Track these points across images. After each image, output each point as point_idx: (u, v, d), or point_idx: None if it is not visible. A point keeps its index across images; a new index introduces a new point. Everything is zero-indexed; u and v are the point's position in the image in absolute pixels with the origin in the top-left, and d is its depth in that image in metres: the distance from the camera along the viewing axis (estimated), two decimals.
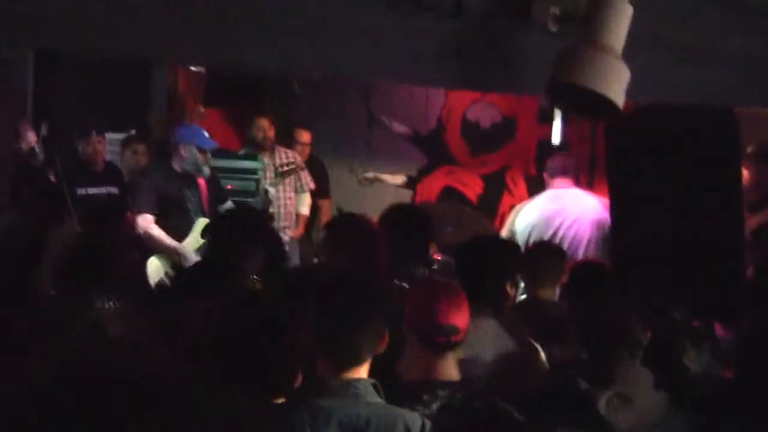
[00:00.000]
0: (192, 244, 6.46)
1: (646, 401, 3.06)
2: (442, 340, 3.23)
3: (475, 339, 3.60)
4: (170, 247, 6.55)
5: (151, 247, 6.56)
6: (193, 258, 6.33)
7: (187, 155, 6.79)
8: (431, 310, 3.24)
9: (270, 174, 7.70)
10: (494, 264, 4.08)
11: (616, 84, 3.95)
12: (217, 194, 7.07)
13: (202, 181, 6.91)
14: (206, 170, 6.88)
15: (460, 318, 3.27)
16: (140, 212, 6.66)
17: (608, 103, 4.29)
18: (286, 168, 7.63)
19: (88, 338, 3.17)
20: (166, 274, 6.47)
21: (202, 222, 6.41)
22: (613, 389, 3.03)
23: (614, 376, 3.07)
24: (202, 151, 6.83)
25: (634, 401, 3.02)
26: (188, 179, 6.81)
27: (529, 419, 2.38)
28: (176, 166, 6.83)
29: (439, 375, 3.24)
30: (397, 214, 4.73)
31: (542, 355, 3.91)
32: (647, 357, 3.25)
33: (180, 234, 6.57)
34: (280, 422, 2.82)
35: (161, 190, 6.67)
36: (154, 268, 6.48)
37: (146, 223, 6.62)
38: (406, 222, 4.64)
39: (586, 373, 3.10)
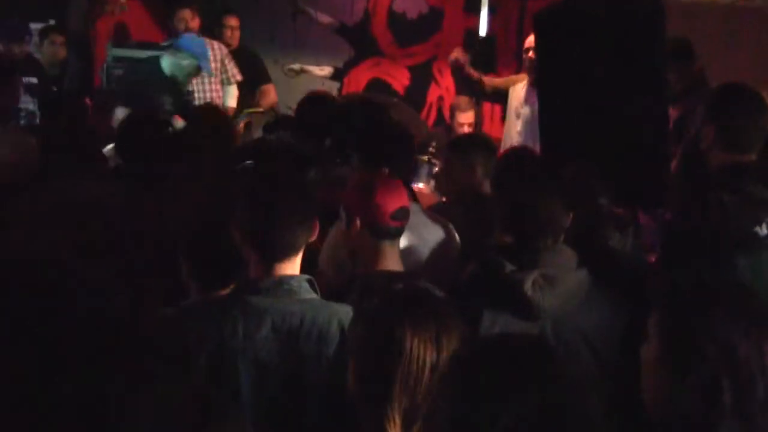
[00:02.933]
0: None
1: (570, 281, 3.13)
2: (398, 225, 3.27)
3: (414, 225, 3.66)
4: None
5: None
6: None
7: (186, 64, 6.90)
8: (383, 197, 3.24)
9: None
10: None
11: None
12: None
13: None
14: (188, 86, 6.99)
15: (408, 201, 3.33)
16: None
17: None
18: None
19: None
20: None
21: None
22: (539, 270, 3.09)
23: (538, 258, 3.13)
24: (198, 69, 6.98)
25: (558, 281, 3.09)
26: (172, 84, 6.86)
27: (458, 303, 2.42)
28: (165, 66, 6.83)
29: (384, 266, 3.25)
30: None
31: (457, 239, 3.99)
32: (573, 241, 3.32)
33: None
34: (212, 323, 2.78)
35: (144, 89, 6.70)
36: None
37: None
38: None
39: (511, 257, 3.16)
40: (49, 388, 1.82)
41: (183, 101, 7.16)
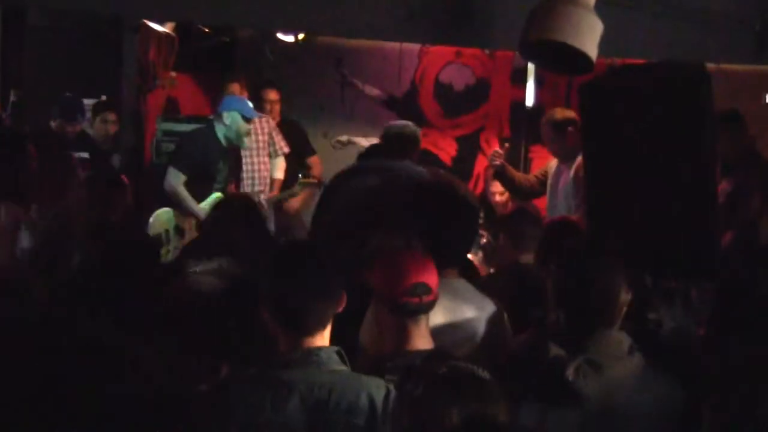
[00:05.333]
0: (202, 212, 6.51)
1: (619, 369, 3.05)
2: (415, 302, 3.16)
3: (453, 301, 3.59)
4: (190, 209, 6.77)
5: (175, 202, 6.82)
6: None
7: (230, 123, 6.83)
8: (399, 273, 3.17)
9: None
10: (460, 225, 4.03)
11: (589, 37, 3.93)
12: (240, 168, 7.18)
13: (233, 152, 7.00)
14: (245, 141, 6.94)
15: (430, 277, 3.20)
16: (175, 168, 6.85)
17: (581, 57, 4.28)
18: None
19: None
20: (167, 231, 6.71)
21: (216, 196, 6.50)
22: (585, 356, 3.01)
23: (588, 343, 3.05)
24: (246, 119, 6.89)
25: (604, 368, 3.01)
26: (225, 151, 6.86)
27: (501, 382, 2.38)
28: (220, 135, 6.89)
29: (411, 345, 3.17)
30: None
31: (505, 317, 3.89)
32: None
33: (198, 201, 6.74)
34: (241, 396, 2.79)
35: (200, 155, 6.80)
36: (162, 221, 6.56)
37: (176, 180, 6.81)
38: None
39: (560, 339, 3.09)
40: None
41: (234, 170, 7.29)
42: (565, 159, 6.44)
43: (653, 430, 3.04)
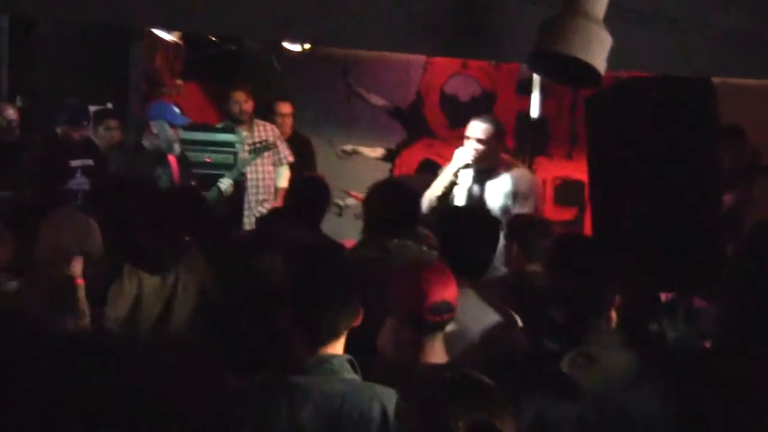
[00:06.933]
0: None
1: (613, 360, 3.05)
2: (436, 320, 3.20)
3: (458, 312, 3.59)
4: None
5: None
6: None
7: (158, 131, 6.78)
8: (422, 290, 3.19)
9: (245, 150, 7.67)
10: (476, 233, 4.06)
11: (598, 51, 3.94)
12: (188, 170, 7.06)
13: (172, 158, 6.90)
14: (177, 147, 6.89)
15: (451, 293, 3.24)
16: None
17: (590, 71, 4.30)
18: (258, 145, 7.58)
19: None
20: None
21: None
22: (578, 348, 3.02)
23: (582, 337, 3.07)
24: (173, 127, 6.84)
25: (600, 360, 3.02)
26: (159, 156, 6.80)
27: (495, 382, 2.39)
28: (146, 143, 6.84)
29: (428, 358, 3.20)
30: (384, 188, 4.77)
31: (519, 324, 3.90)
32: (622, 327, 3.25)
33: None
34: (256, 402, 2.80)
35: (130, 168, 6.67)
36: None
37: None
38: (393, 195, 4.67)
39: (557, 335, 3.10)
40: None
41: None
42: (501, 163, 6.14)
43: (651, 422, 3.03)
